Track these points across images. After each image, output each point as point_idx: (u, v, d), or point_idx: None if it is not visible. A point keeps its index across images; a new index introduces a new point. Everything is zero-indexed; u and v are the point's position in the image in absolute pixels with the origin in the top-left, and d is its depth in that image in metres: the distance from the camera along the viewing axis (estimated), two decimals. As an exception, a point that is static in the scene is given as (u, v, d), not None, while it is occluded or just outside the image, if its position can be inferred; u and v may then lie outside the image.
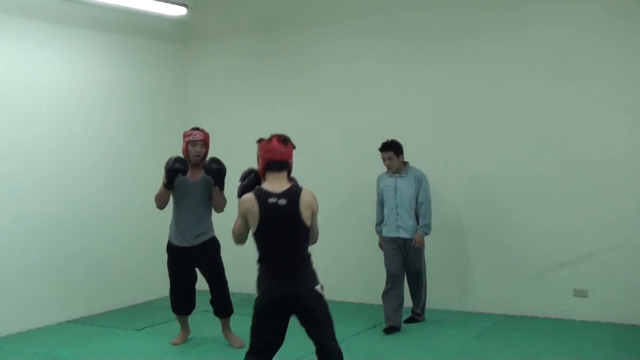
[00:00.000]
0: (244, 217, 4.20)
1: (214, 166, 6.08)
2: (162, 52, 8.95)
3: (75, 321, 7.57)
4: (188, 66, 9.28)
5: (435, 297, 7.36)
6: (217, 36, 9.09)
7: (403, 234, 6.72)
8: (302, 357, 5.99)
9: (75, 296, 7.70)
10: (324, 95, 8.34)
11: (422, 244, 6.75)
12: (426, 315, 7.14)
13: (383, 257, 6.86)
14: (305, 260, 4.28)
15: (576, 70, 6.97)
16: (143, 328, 7.18)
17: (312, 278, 4.27)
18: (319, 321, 4.24)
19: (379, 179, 6.91)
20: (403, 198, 6.69)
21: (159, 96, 8.86)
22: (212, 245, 6.31)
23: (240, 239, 4.36)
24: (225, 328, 6.49)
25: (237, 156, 8.57)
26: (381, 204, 6.88)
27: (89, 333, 7.05)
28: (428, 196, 6.75)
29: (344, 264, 8.10)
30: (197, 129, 6.26)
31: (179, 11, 8.10)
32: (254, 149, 9.31)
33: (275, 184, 4.19)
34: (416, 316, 7.06)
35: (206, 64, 9.19)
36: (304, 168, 8.40)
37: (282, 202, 4.11)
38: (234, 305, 6.46)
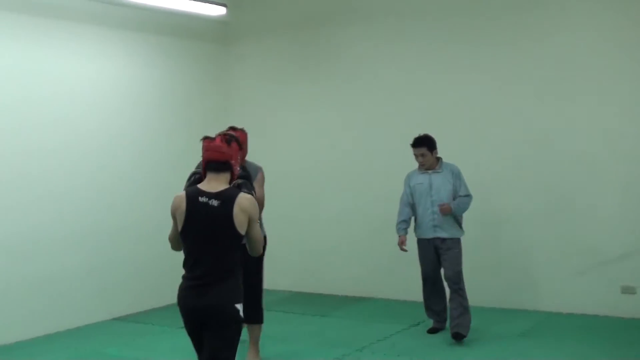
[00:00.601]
0: (173, 216, 3.90)
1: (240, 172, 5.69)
2: (201, 53, 9.01)
3: (121, 319, 7.68)
4: (227, 66, 9.33)
5: (479, 293, 7.28)
6: (256, 36, 9.12)
7: (441, 234, 6.34)
8: (340, 356, 6.01)
9: (121, 294, 7.81)
10: (363, 94, 8.33)
11: (446, 211, 6.23)
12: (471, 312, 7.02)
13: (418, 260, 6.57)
14: (228, 271, 3.78)
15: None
16: (183, 326, 7.23)
17: (232, 293, 3.76)
18: (221, 340, 3.75)
19: (409, 176, 6.56)
20: (440, 195, 6.31)
21: (198, 96, 8.92)
22: None
23: (172, 243, 4.05)
24: (252, 339, 5.97)
25: (278, 155, 8.71)
26: (407, 203, 6.52)
27: (135, 330, 7.15)
28: (469, 190, 6.38)
29: (385, 261, 8.08)
30: (232, 128, 5.90)
31: (219, 11, 8.14)
32: (295, 148, 9.43)
33: (211, 184, 3.83)
34: (459, 329, 6.20)
35: (246, 64, 9.23)
36: (343, 165, 8.52)
37: (214, 202, 3.74)
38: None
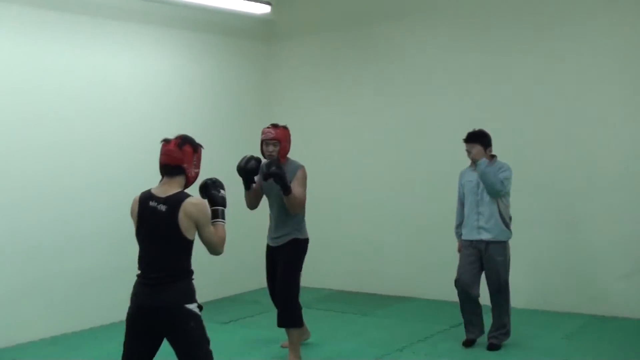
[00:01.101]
0: (132, 218, 4.03)
1: (272, 169, 5.48)
2: (245, 50, 9.07)
3: (164, 313, 7.76)
4: (270, 64, 9.38)
5: (520, 295, 7.21)
6: (299, 34, 9.16)
7: (485, 236, 5.95)
8: (380, 356, 6.00)
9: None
10: (407, 91, 8.30)
11: (478, 156, 5.93)
12: (511, 314, 6.94)
13: None
14: (178, 273, 3.87)
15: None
16: (229, 321, 7.32)
17: (182, 294, 3.84)
18: (188, 344, 3.82)
19: (462, 174, 6.25)
20: (486, 194, 5.95)
21: (240, 93, 8.99)
22: (289, 248, 5.80)
23: None
24: (289, 343, 5.84)
25: (319, 154, 8.73)
26: (462, 203, 6.21)
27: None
28: (510, 176, 5.94)
29: (427, 260, 8.06)
30: (274, 125, 5.83)
31: (263, 9, 8.19)
32: (336, 147, 9.43)
33: (163, 188, 3.90)
34: (495, 341, 6.03)
35: (288, 62, 9.27)
36: (386, 165, 8.50)
37: (162, 207, 3.81)
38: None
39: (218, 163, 8.49)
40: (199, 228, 3.87)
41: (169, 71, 8.13)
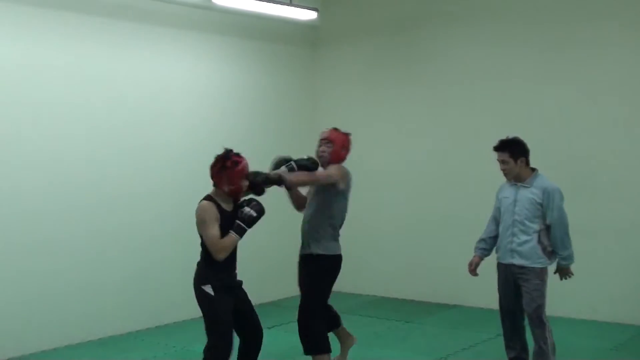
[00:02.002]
0: None
1: (256, 178, 5.23)
2: (290, 56, 9.12)
3: (209, 317, 7.83)
4: (316, 70, 9.41)
5: (568, 305, 7.08)
6: (345, 40, 9.17)
7: (517, 260, 5.27)
8: (445, 355, 5.95)
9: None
10: (451, 95, 8.25)
11: (567, 273, 5.37)
12: (559, 323, 6.78)
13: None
14: (201, 261, 4.74)
15: None
16: (272, 327, 7.34)
17: (199, 277, 4.68)
18: (202, 316, 4.72)
19: (500, 188, 5.58)
20: (522, 214, 5.23)
21: (287, 99, 9.05)
22: (310, 262, 5.36)
23: None
24: None
25: (365, 159, 8.71)
26: (492, 219, 5.61)
27: (222, 329, 7.28)
28: (563, 217, 5.16)
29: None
30: (335, 129, 5.48)
31: (309, 15, 8.21)
32: (382, 153, 9.43)
33: None
34: None
35: (334, 67, 9.29)
36: (430, 171, 8.44)
37: None
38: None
39: (264, 165, 8.57)
40: (199, 228, 4.63)
41: (220, 77, 8.25)
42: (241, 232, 4.64)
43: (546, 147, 7.18)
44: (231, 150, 4.79)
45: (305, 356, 6.23)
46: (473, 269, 5.64)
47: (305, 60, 9.36)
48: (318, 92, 9.40)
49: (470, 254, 7.91)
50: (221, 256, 4.57)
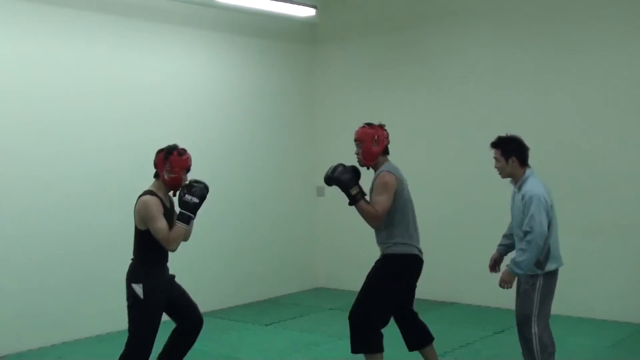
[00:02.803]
0: None
1: (330, 174, 5.02)
2: (290, 53, 9.12)
3: (207, 314, 7.80)
4: (314, 67, 9.41)
5: (565, 302, 7.08)
6: (344, 37, 9.16)
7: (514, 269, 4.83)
8: (442, 353, 5.94)
9: (207, 290, 7.98)
10: (449, 92, 8.24)
11: (506, 282, 4.85)
12: (557, 321, 6.75)
13: None
14: (135, 257, 4.72)
15: None
16: (271, 323, 7.35)
17: (131, 275, 4.66)
18: (128, 315, 4.70)
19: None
20: (516, 219, 4.94)
21: (284, 97, 9.04)
22: (380, 263, 5.13)
23: None
24: None
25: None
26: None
27: (220, 326, 7.30)
28: (534, 225, 4.69)
29: (470, 265, 7.97)
30: (363, 125, 5.13)
31: (308, 12, 8.22)
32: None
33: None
34: None
35: (333, 65, 9.29)
36: (428, 171, 8.44)
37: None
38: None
39: (262, 163, 8.60)
40: (145, 222, 4.59)
41: (215, 73, 8.23)
42: (187, 220, 4.64)
43: (546, 145, 7.19)
44: (177, 146, 4.87)
45: (302, 352, 6.25)
46: (491, 265, 5.35)
47: (304, 58, 9.35)
48: (317, 89, 9.39)
49: (468, 253, 7.99)
50: (173, 247, 4.61)
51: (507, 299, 6.72)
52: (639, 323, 6.94)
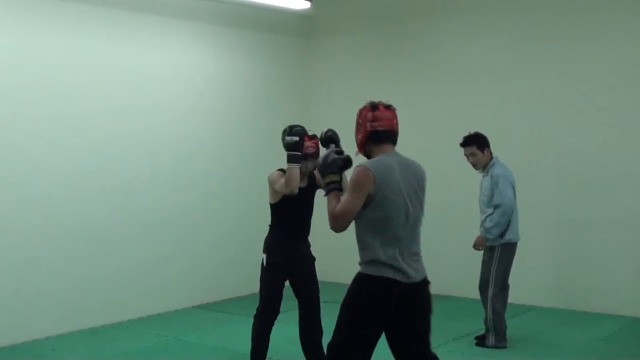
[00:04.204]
0: None
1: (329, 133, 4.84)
2: (285, 46, 9.10)
3: (201, 307, 7.85)
4: (309, 60, 9.39)
5: (560, 296, 7.11)
6: (338, 29, 9.15)
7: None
8: (437, 345, 5.94)
9: (201, 283, 7.99)
10: (446, 89, 8.24)
11: (479, 244, 5.95)
12: (552, 314, 6.82)
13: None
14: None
15: None
16: (265, 316, 7.34)
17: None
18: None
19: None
20: (481, 200, 6.03)
21: (281, 88, 9.03)
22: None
23: None
24: None
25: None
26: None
27: (214, 319, 7.30)
28: (503, 198, 5.77)
29: (464, 258, 7.97)
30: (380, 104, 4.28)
31: (303, 5, 8.20)
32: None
33: None
34: (479, 339, 6.13)
35: (328, 58, 9.28)
36: (425, 156, 8.39)
37: None
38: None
39: (257, 155, 8.57)
40: (270, 190, 5.20)
41: (211, 66, 8.21)
42: (293, 160, 5.03)
43: (537, 139, 7.20)
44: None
45: (294, 345, 6.25)
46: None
47: (299, 51, 9.33)
48: (312, 82, 9.38)
49: (461, 245, 7.96)
50: (291, 187, 4.96)
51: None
52: (633, 316, 6.96)
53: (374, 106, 4.03)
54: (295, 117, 8.98)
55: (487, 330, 5.98)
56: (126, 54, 7.31)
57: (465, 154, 6.03)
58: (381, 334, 3.66)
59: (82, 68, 6.93)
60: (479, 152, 5.95)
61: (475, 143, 5.95)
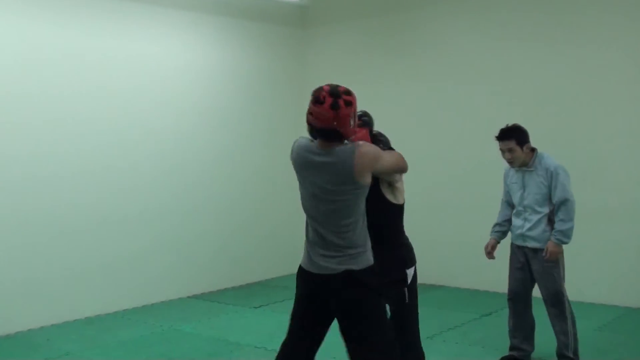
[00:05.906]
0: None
1: None
2: (280, 36, 9.07)
3: (196, 297, 7.87)
4: (306, 49, 9.36)
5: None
6: (334, 19, 9.12)
7: (531, 244, 5.14)
8: (431, 335, 5.96)
9: (196, 273, 8.00)
10: (443, 79, 8.22)
11: (554, 255, 5.03)
12: (544, 305, 6.80)
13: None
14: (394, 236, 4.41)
15: None
16: (260, 306, 7.37)
17: (407, 259, 4.41)
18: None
19: (506, 173, 5.40)
20: (531, 199, 5.13)
21: (276, 79, 9.00)
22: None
23: None
24: None
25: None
26: (505, 203, 5.44)
27: (209, 309, 7.31)
28: (566, 193, 5.03)
29: (457, 249, 8.00)
30: None
31: (298, -5, 8.18)
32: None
33: None
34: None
35: (323, 47, 9.25)
36: (416, 154, 8.43)
37: None
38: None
39: (252, 147, 8.58)
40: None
41: (204, 56, 8.16)
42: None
43: (536, 131, 7.16)
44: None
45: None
46: (490, 252, 5.41)
47: (295, 41, 9.30)
48: (307, 73, 9.35)
49: (456, 237, 8.00)
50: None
51: (495, 282, 6.80)
52: (626, 306, 6.99)
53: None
54: (289, 107, 9.00)
55: (565, 349, 5.22)
56: (116, 43, 7.24)
57: (501, 149, 5.18)
58: None
59: (73, 56, 6.87)
60: (517, 148, 5.08)
61: (515, 137, 5.09)
